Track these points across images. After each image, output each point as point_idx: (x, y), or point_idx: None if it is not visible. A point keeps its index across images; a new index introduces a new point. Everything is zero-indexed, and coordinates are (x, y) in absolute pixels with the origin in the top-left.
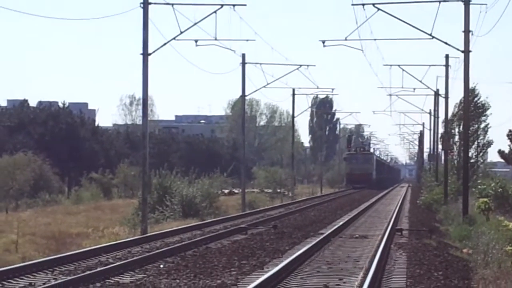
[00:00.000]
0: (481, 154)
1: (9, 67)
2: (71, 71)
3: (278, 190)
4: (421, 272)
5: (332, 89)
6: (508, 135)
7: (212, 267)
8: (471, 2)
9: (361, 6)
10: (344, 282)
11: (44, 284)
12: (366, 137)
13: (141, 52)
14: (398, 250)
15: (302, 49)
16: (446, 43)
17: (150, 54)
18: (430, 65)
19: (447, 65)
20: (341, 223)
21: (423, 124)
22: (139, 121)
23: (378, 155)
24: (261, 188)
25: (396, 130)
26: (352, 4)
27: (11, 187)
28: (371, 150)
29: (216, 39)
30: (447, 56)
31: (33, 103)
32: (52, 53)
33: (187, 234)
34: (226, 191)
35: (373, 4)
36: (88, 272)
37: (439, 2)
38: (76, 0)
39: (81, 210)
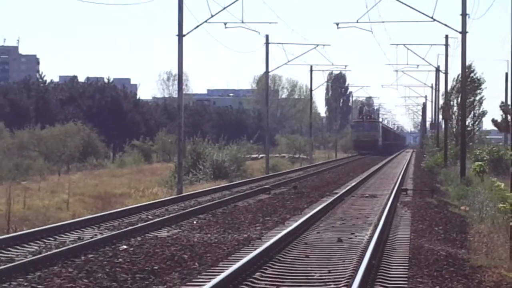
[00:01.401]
0: (476, 123)
1: (61, 47)
2: (116, 51)
3: (297, 155)
4: (424, 227)
5: (345, 66)
6: (500, 106)
7: (239, 223)
8: None
9: None
10: (356, 236)
11: (91, 238)
12: (375, 107)
13: (177, 33)
14: (403, 207)
15: (319, 31)
16: (445, 25)
17: (184, 35)
18: (431, 45)
19: (446, 45)
20: (353, 184)
21: (425, 97)
22: (175, 94)
23: (386, 123)
24: (283, 154)
25: (402, 102)
26: None
27: (63, 153)
28: (380, 119)
29: (243, 22)
30: (446, 37)
31: (82, 78)
32: (98, 35)
33: (217, 194)
34: (253, 156)
35: None
36: (130, 228)
37: None
38: None
39: (124, 173)
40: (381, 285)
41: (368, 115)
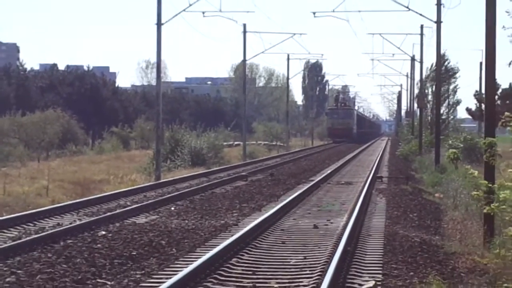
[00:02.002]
0: (451, 111)
1: (41, 35)
2: (95, 39)
3: (274, 143)
4: (398, 213)
5: (322, 55)
6: (474, 95)
7: (216, 209)
8: None
9: None
10: (332, 223)
11: (70, 223)
12: (351, 96)
13: (156, 22)
14: (378, 194)
15: (296, 19)
16: (421, 14)
17: (163, 24)
18: (407, 34)
19: (421, 34)
20: (329, 171)
21: (401, 85)
22: (153, 82)
23: (361, 112)
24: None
25: (377, 90)
26: None
27: (43, 140)
28: (355, 107)
29: (220, 11)
30: (421, 26)
31: (61, 66)
32: (78, 23)
33: (195, 180)
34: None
35: None
36: (108, 214)
37: None
38: None
39: (103, 160)
40: (356, 271)
41: (343, 103)
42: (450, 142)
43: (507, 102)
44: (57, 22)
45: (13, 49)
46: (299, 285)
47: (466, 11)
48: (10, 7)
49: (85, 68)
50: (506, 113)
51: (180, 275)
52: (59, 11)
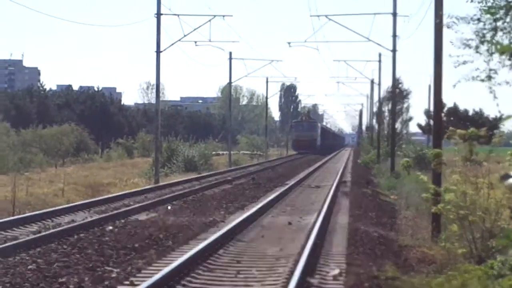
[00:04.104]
0: (404, 126)
1: (58, 60)
2: (105, 64)
3: (255, 152)
4: (360, 212)
5: (295, 78)
6: (424, 112)
7: (206, 208)
8: (397, 15)
9: (317, 17)
10: (303, 220)
11: (82, 220)
12: (320, 113)
13: (155, 50)
14: (343, 196)
15: (274, 48)
16: (379, 44)
17: (161, 51)
18: (367, 61)
19: (379, 61)
20: (301, 176)
21: (362, 104)
22: (153, 101)
23: (327, 125)
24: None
25: (342, 108)
26: (311, 16)
27: (60, 149)
28: (324, 122)
29: (210, 41)
30: (379, 54)
31: (76, 87)
32: (90, 50)
33: (188, 184)
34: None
35: (326, 16)
36: (115, 212)
37: (374, 14)
38: (108, 11)
39: (110, 166)
40: (324, 260)
41: (307, 115)
42: (399, 153)
43: (452, 118)
44: (72, 49)
45: (35, 72)
46: (276, 272)
47: (418, 41)
48: (32, 36)
49: (96, 88)
50: (451, 128)
51: (175, 264)
52: (74, 40)
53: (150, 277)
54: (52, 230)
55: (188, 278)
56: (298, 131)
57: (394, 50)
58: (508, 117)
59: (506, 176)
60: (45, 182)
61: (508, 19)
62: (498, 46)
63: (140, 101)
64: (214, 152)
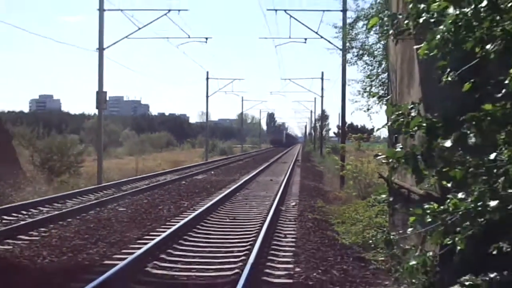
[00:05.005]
0: (326, 133)
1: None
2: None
3: (255, 145)
4: (305, 174)
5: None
6: (336, 126)
7: (230, 173)
8: (324, 79)
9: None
10: (278, 178)
11: (170, 178)
12: (286, 125)
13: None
14: (297, 167)
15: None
16: (314, 93)
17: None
18: (309, 101)
19: (315, 102)
20: (275, 158)
21: (307, 121)
22: (204, 119)
23: (288, 131)
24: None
25: (296, 120)
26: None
27: (162, 146)
28: (288, 131)
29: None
30: (315, 98)
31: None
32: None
33: (222, 161)
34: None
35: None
36: (185, 174)
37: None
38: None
39: (183, 152)
40: (288, 195)
41: (278, 127)
42: (326, 145)
43: (350, 129)
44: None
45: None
46: (263, 204)
47: (335, 90)
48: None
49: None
50: (349, 134)
51: (215, 199)
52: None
53: (204, 205)
54: (155, 183)
55: (222, 206)
56: (274, 134)
57: (322, 96)
58: (378, 129)
59: (376, 155)
60: (152, 160)
61: (376, 81)
62: (371, 93)
63: (199, 120)
64: (234, 146)
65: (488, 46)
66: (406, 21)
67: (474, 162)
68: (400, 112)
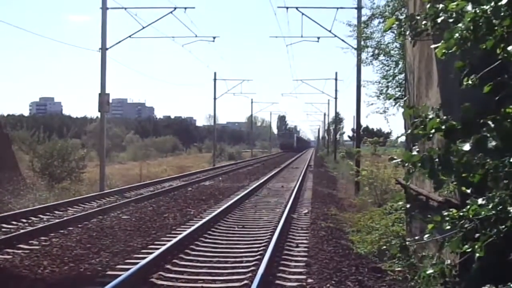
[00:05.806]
0: (340, 137)
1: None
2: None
3: (265, 150)
4: (318, 181)
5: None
6: (351, 130)
7: (239, 179)
8: (337, 79)
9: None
10: (289, 184)
11: (176, 185)
12: (298, 129)
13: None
14: (309, 172)
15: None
16: (328, 95)
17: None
18: (323, 103)
19: (328, 104)
20: (287, 163)
21: (320, 124)
22: (212, 122)
23: (299, 134)
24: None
25: (309, 123)
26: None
27: (167, 150)
28: (300, 134)
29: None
30: (328, 101)
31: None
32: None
33: (231, 166)
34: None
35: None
36: (193, 180)
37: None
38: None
39: (190, 157)
40: (300, 203)
41: (289, 129)
42: (340, 150)
43: (365, 132)
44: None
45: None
46: (274, 211)
47: (349, 92)
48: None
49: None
50: (365, 138)
51: (223, 207)
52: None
53: (211, 213)
54: (160, 190)
55: (230, 214)
56: (283, 138)
57: (336, 98)
58: (397, 137)
59: (391, 159)
60: (156, 166)
61: (393, 83)
62: (388, 95)
63: (206, 123)
64: (243, 150)
65: (510, 48)
66: (424, 22)
67: (494, 164)
68: (419, 119)
